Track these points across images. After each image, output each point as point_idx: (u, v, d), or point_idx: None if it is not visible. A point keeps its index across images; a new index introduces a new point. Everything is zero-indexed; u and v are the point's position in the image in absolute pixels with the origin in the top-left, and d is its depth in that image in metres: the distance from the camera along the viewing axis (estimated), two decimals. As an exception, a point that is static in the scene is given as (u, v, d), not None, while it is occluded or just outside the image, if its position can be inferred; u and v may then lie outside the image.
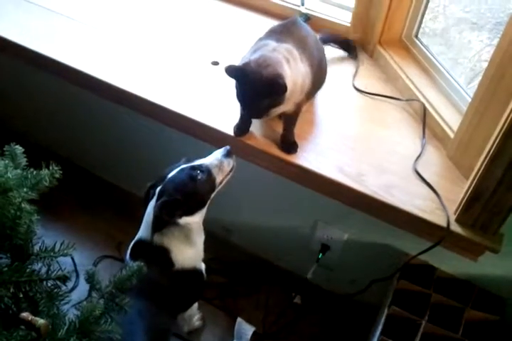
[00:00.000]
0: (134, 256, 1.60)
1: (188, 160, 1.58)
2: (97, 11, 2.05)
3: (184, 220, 1.54)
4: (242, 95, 1.46)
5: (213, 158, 1.57)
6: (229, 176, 1.59)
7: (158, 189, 1.53)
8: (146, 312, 1.53)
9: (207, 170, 1.54)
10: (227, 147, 1.58)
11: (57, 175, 1.21)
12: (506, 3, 1.49)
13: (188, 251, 1.61)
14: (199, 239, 1.65)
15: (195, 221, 1.57)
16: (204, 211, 1.59)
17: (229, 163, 1.57)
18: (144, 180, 2.20)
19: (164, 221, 1.52)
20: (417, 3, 1.75)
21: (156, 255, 1.56)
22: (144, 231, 1.60)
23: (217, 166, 1.56)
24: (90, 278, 1.22)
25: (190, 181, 1.51)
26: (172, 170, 1.55)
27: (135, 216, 2.05)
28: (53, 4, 2.04)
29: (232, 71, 1.42)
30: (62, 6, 2.04)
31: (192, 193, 1.52)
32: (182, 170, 1.54)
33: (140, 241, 1.60)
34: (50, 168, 1.21)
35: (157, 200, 1.52)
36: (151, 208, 1.55)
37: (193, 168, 1.54)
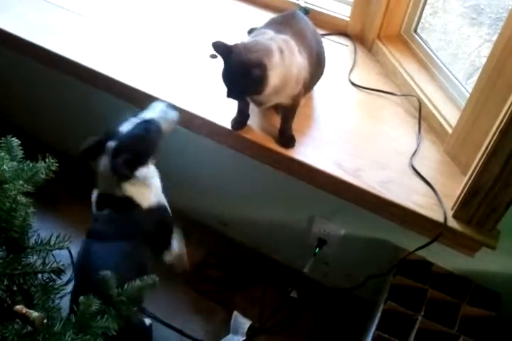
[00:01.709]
0: (99, 208, 1.63)
1: (134, 115, 1.60)
2: (98, 4, 2.03)
3: (141, 171, 1.57)
4: (223, 72, 1.44)
5: (159, 110, 1.60)
6: (173, 126, 1.63)
7: (114, 144, 1.54)
8: (126, 251, 1.58)
9: (158, 123, 1.58)
10: (166, 101, 1.62)
11: (53, 168, 1.21)
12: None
13: (149, 193, 1.65)
14: (155, 179, 1.69)
15: (150, 169, 1.63)
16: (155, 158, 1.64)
17: (173, 114, 1.61)
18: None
19: (125, 176, 1.55)
20: (416, 1, 1.75)
21: (120, 203, 1.60)
22: (102, 186, 1.62)
23: (164, 118, 1.60)
24: (104, 284, 1.22)
25: (146, 135, 1.56)
26: (121, 124, 1.57)
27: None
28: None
29: (218, 46, 1.42)
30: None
31: (148, 147, 1.58)
32: (136, 124, 1.56)
33: (102, 195, 1.63)
34: (47, 160, 1.21)
35: (114, 156, 1.53)
36: (106, 164, 1.55)
37: (146, 121, 1.57)
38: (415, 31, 1.83)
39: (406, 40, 1.83)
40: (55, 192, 2.15)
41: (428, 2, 1.78)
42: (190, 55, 1.84)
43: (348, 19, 1.91)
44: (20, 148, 1.24)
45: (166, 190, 2.23)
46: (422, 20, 1.83)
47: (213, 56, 1.83)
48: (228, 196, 2.06)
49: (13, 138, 1.24)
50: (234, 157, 1.69)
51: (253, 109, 1.64)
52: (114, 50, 1.84)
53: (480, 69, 1.40)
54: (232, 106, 1.60)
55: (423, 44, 1.78)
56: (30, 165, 1.21)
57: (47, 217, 2.21)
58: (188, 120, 1.67)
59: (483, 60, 1.40)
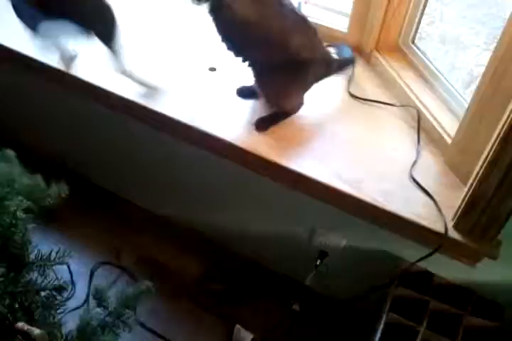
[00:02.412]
0: None
1: None
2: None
3: None
4: None
5: None
6: None
7: None
8: None
9: None
10: None
11: (63, 195, 1.22)
12: (503, 8, 1.49)
13: None
14: None
15: None
16: None
17: None
18: (145, 190, 2.19)
19: None
20: (414, 9, 1.75)
21: None
22: None
23: None
24: (98, 295, 1.22)
25: None
26: None
27: (134, 224, 2.02)
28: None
29: None
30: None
31: None
32: None
33: None
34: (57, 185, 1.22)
35: None
36: None
37: None
38: (413, 42, 1.84)
39: (404, 51, 1.83)
40: (58, 206, 2.15)
41: (425, 12, 1.79)
42: (190, 68, 1.84)
43: (346, 31, 1.91)
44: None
45: (167, 202, 2.25)
46: (419, 30, 1.83)
47: (212, 69, 1.83)
48: (229, 208, 2.05)
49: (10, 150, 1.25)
50: (234, 169, 1.69)
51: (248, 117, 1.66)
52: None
53: (478, 79, 1.41)
54: (233, 118, 1.61)
55: (421, 55, 1.79)
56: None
57: (49, 230, 2.20)
58: (187, 132, 1.68)
59: (481, 69, 1.40)
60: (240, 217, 2.08)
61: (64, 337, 1.15)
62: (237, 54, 1.60)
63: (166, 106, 1.70)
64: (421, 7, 1.76)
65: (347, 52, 1.84)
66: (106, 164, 2.33)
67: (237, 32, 1.56)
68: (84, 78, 1.78)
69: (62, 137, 2.36)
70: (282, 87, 1.64)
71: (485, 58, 1.46)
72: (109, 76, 1.76)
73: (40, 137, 2.45)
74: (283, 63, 1.60)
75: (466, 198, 1.37)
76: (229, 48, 1.59)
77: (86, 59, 1.85)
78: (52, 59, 1.83)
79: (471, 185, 1.36)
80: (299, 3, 1.96)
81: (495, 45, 1.32)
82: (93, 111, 2.04)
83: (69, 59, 1.84)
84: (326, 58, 1.68)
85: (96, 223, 2.32)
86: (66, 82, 1.85)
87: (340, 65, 1.78)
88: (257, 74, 1.65)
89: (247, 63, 1.63)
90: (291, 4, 1.60)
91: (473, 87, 1.46)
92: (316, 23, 1.92)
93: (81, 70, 1.81)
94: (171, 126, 1.69)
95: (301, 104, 1.70)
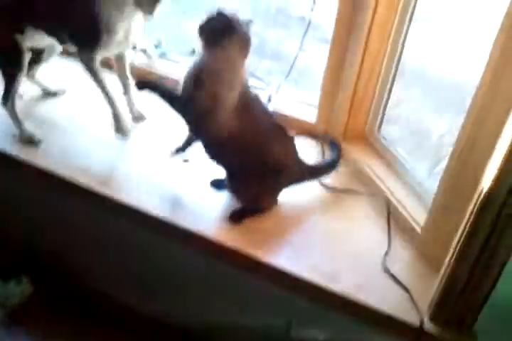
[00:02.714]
0: None
1: None
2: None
3: None
4: None
5: None
6: None
7: None
8: None
9: None
10: None
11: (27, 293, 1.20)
12: (470, 88, 1.51)
13: None
14: None
15: None
16: None
17: None
18: (115, 282, 2.10)
19: None
20: (378, 101, 1.82)
21: None
22: None
23: None
24: None
25: None
26: None
27: (105, 320, 1.94)
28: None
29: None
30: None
31: None
32: None
33: None
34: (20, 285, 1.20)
35: None
36: None
37: None
38: (379, 128, 1.89)
39: (370, 139, 1.88)
40: (35, 311, 2.05)
41: (392, 96, 1.85)
42: (164, 159, 1.85)
43: (314, 122, 1.96)
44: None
45: (136, 294, 2.17)
46: (386, 113, 1.88)
47: (186, 161, 1.84)
48: (202, 299, 2.00)
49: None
50: (205, 260, 1.70)
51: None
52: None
53: (445, 159, 1.43)
54: (205, 210, 1.65)
55: (386, 142, 1.84)
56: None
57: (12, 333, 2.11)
58: (157, 225, 1.67)
59: (448, 149, 1.42)
60: (213, 308, 2.02)
61: None
62: (213, 159, 1.65)
63: (132, 195, 1.71)
64: (385, 96, 1.83)
65: (334, 153, 1.87)
66: (68, 252, 2.28)
67: (220, 146, 1.61)
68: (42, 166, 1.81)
69: (22, 226, 2.32)
70: (253, 192, 1.67)
71: (450, 139, 1.47)
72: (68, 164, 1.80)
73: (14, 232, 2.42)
74: (257, 170, 1.64)
75: (440, 290, 1.37)
76: (209, 156, 1.64)
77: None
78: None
79: (443, 275, 1.36)
80: (269, 97, 2.02)
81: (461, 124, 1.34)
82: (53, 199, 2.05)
83: (27, 141, 1.87)
84: (300, 167, 1.71)
85: (63, 320, 2.13)
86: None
87: (317, 172, 1.79)
88: (229, 176, 1.68)
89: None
90: (271, 113, 1.68)
91: (440, 167, 1.48)
92: (286, 115, 1.99)
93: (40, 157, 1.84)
94: (139, 217, 1.69)
95: (273, 204, 1.72)
